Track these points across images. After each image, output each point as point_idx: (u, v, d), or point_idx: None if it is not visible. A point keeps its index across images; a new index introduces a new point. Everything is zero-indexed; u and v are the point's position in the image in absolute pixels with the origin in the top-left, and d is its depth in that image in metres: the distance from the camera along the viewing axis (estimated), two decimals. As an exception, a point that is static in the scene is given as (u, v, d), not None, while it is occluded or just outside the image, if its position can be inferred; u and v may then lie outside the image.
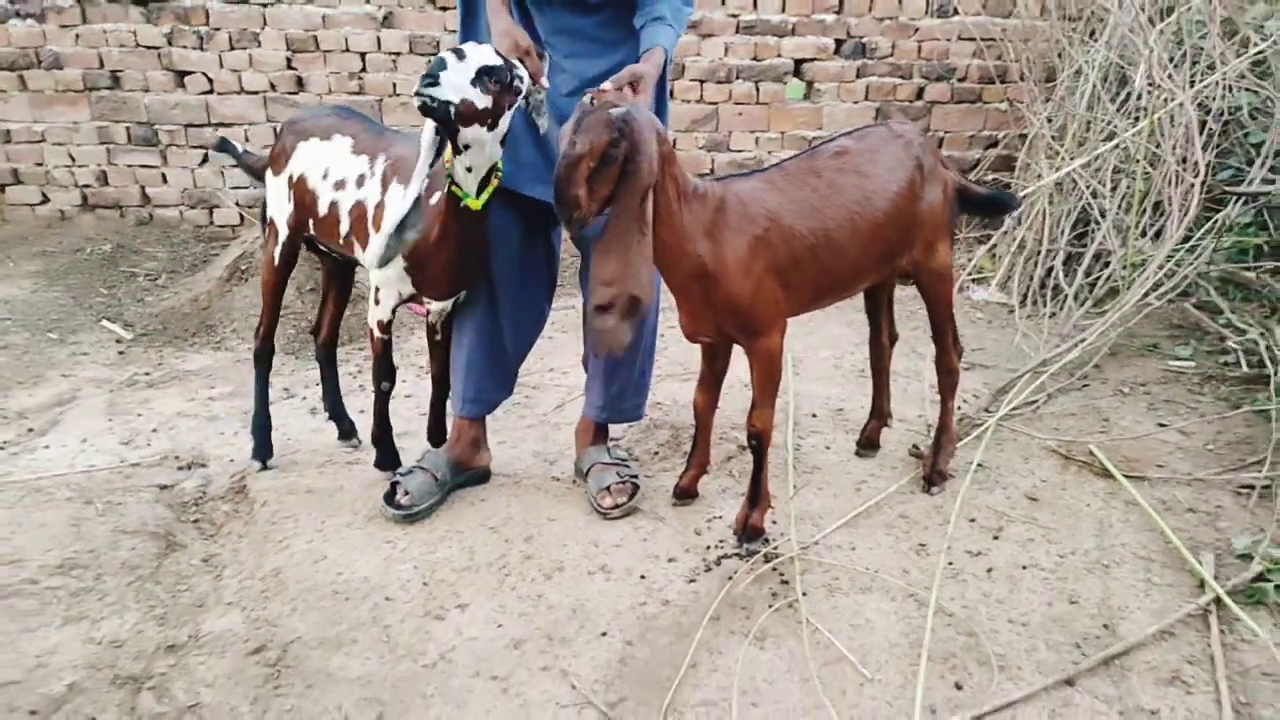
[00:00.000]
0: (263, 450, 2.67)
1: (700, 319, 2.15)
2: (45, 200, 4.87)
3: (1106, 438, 2.73)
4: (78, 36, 4.62)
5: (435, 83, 1.89)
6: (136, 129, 4.77)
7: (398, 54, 4.77)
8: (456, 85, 1.91)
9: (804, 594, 2.10)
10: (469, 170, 2.07)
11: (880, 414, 2.69)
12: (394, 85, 4.81)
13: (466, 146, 2.02)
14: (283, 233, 2.48)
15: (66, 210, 4.88)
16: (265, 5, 4.62)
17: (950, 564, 2.21)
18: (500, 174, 2.15)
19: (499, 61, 1.96)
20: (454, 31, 4.69)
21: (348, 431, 2.82)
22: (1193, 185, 3.09)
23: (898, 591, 2.12)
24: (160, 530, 2.36)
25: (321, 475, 2.64)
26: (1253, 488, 2.41)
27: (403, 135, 2.36)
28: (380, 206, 2.23)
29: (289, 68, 4.73)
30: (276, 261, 2.53)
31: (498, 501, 2.49)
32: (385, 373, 2.41)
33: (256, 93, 4.76)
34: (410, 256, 2.18)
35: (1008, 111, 4.98)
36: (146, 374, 3.44)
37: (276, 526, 2.38)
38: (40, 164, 4.80)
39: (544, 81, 2.11)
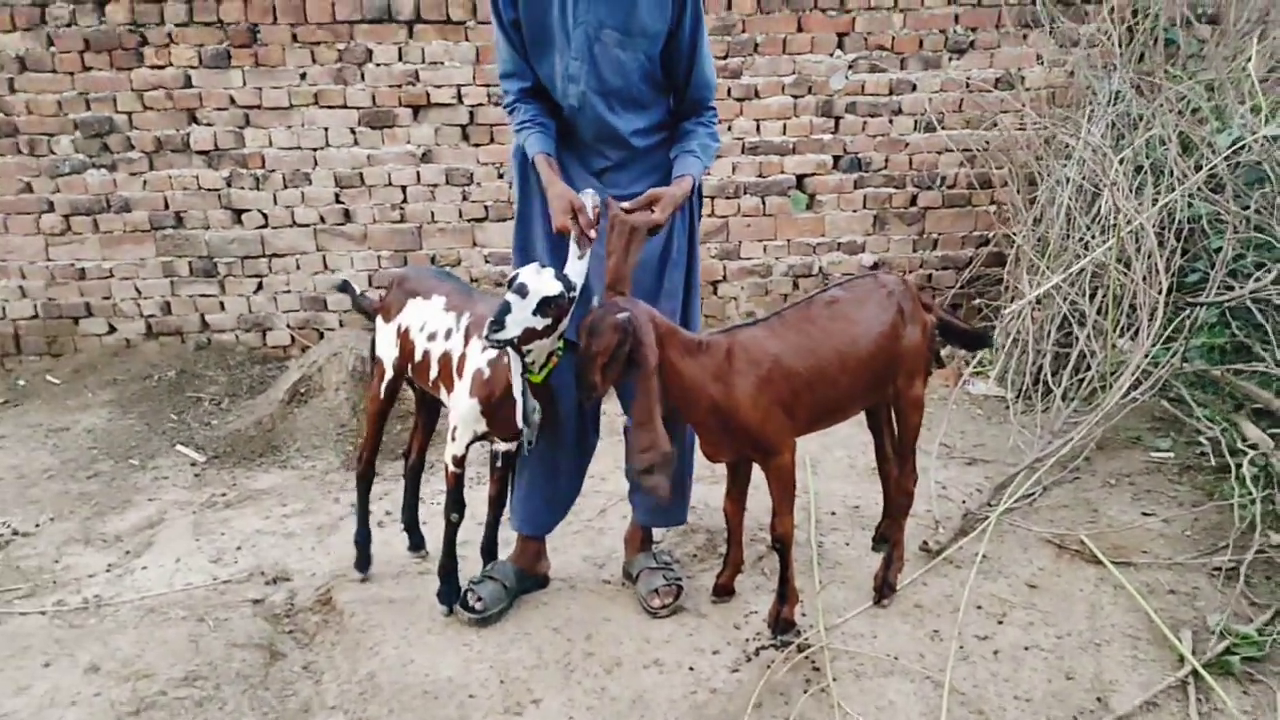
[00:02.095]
0: (364, 562, 3.04)
1: (719, 446, 2.55)
2: (112, 330, 5.29)
3: (1096, 527, 3.05)
4: (145, 183, 5.10)
5: (501, 328, 2.25)
6: (198, 262, 5.22)
7: (435, 185, 5.23)
8: (520, 321, 2.28)
9: (834, 679, 2.41)
10: (531, 361, 2.45)
11: (892, 513, 3.02)
12: (432, 213, 5.26)
13: (529, 350, 2.41)
14: (388, 373, 2.89)
15: (132, 339, 5.30)
16: (316, 149, 5.11)
17: (961, 648, 2.51)
18: (560, 354, 2.52)
19: (558, 289, 2.31)
20: (486, 164, 5.18)
21: (417, 544, 3.16)
22: (1158, 297, 3.48)
23: (916, 674, 2.43)
24: (264, 642, 2.69)
25: (399, 586, 2.97)
26: (1222, 570, 2.72)
27: (485, 297, 2.76)
28: (463, 358, 2.61)
29: (337, 202, 5.19)
30: (381, 396, 2.93)
31: (558, 605, 2.81)
32: (456, 505, 2.73)
33: (307, 225, 5.21)
34: (485, 404, 2.55)
35: (995, 213, 5.41)
36: (223, 494, 3.80)
37: (366, 634, 2.70)
38: (108, 297, 5.24)
39: (593, 234, 2.43)
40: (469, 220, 5.29)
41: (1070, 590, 2.75)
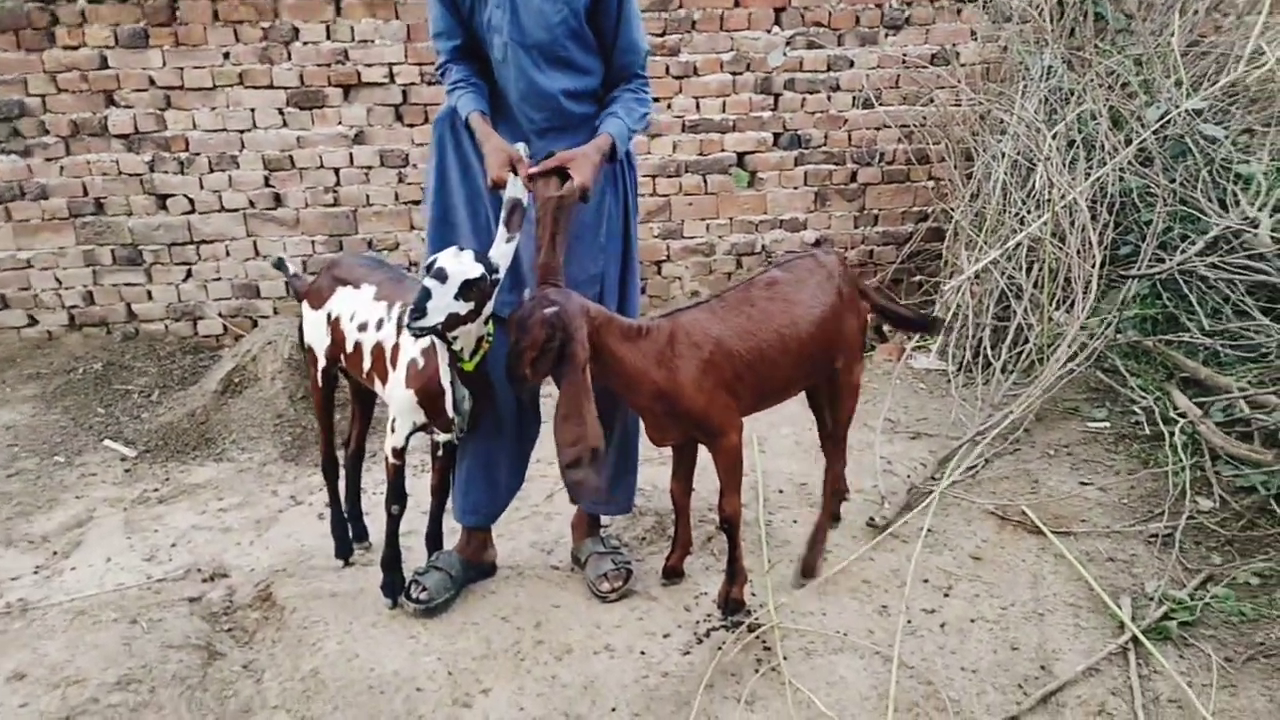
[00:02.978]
0: (341, 550, 2.99)
1: (665, 429, 2.54)
2: (33, 322, 5.07)
3: (1036, 498, 3.11)
4: (62, 168, 4.88)
5: (422, 315, 2.18)
6: (121, 250, 5.02)
7: (370, 168, 5.10)
8: (441, 308, 2.20)
9: (785, 658, 2.41)
10: (460, 348, 2.38)
11: (824, 494, 3.03)
12: (367, 196, 5.13)
13: (455, 337, 2.33)
14: (321, 361, 2.83)
15: (54, 331, 5.09)
16: (242, 131, 4.94)
17: (909, 622, 2.54)
18: (490, 339, 2.45)
19: (479, 271, 2.23)
20: (422, 145, 5.07)
21: (360, 535, 3.09)
22: (1092, 270, 3.54)
23: (865, 650, 2.44)
24: (201, 642, 2.60)
25: (341, 579, 2.89)
26: (1158, 536, 2.79)
27: (418, 285, 2.69)
28: (396, 349, 2.54)
29: (266, 185, 5.03)
30: (320, 384, 2.88)
31: (506, 593, 2.77)
32: (397, 496, 2.66)
33: (236, 210, 5.05)
34: (422, 395, 2.48)
35: (933, 189, 5.46)
36: (155, 490, 3.67)
37: (308, 630, 2.63)
38: (26, 288, 5.02)
39: (526, 186, 2.32)
40: (405, 203, 5.17)
41: (1013, 561, 2.79)
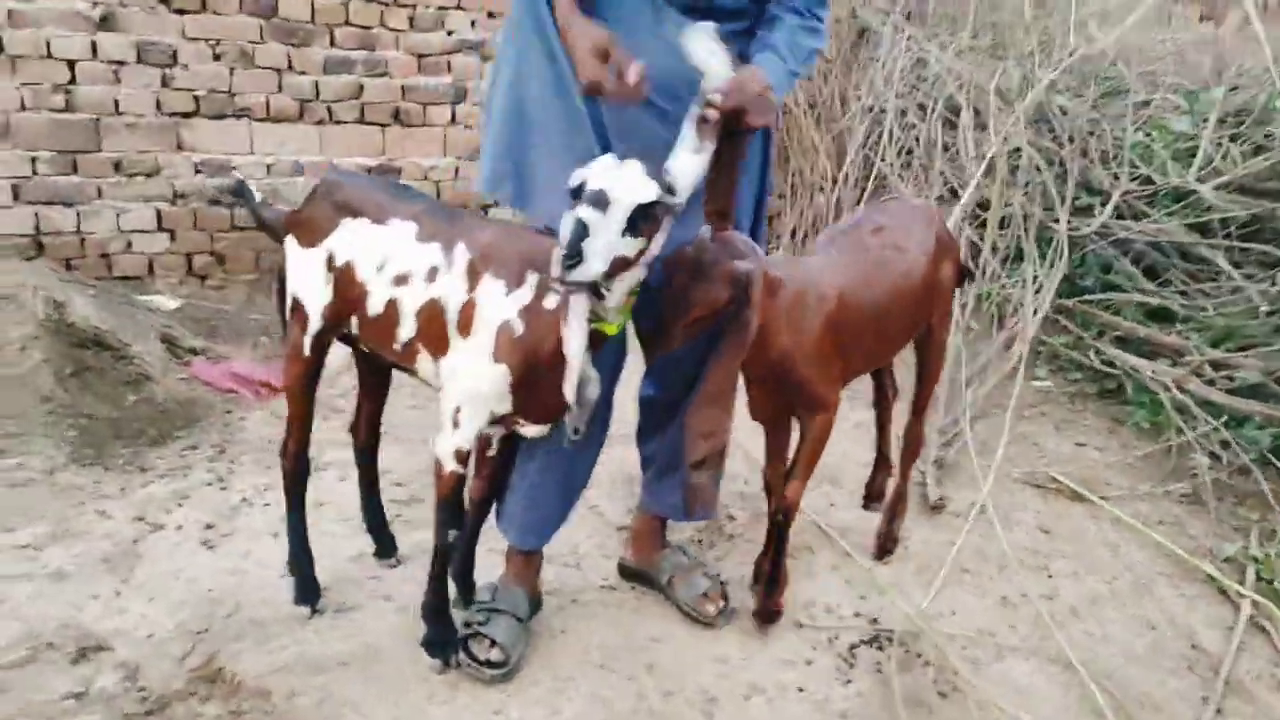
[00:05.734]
0: (307, 592, 2.11)
1: (770, 403, 2.12)
2: None
3: (1047, 462, 3.01)
4: None
5: (578, 261, 1.49)
6: None
7: (120, 63, 3.80)
8: (603, 250, 1.53)
9: (956, 672, 2.05)
10: (612, 306, 1.68)
11: (886, 464, 2.71)
12: (115, 102, 3.83)
13: (608, 290, 1.64)
14: (314, 322, 1.92)
15: None
16: (-70, -8, 3.42)
17: (1043, 612, 2.28)
18: (637, 290, 1.75)
19: (653, 193, 1.56)
20: (196, 40, 3.89)
21: (388, 549, 2.29)
22: (1056, 227, 3.58)
23: (1024, 650, 2.16)
24: (157, 770, 1.65)
25: (325, 638, 2.00)
26: (1188, 496, 2.83)
27: (480, 220, 1.94)
28: (470, 308, 1.74)
29: (-37, 74, 3.55)
30: (307, 352, 1.95)
31: (580, 631, 2.08)
32: (454, 519, 1.87)
33: (-89, 107, 3.51)
34: (522, 373, 1.73)
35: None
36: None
37: (333, 724, 1.77)
38: None
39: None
40: (171, 114, 3.94)
41: (1080, 532, 2.66)
